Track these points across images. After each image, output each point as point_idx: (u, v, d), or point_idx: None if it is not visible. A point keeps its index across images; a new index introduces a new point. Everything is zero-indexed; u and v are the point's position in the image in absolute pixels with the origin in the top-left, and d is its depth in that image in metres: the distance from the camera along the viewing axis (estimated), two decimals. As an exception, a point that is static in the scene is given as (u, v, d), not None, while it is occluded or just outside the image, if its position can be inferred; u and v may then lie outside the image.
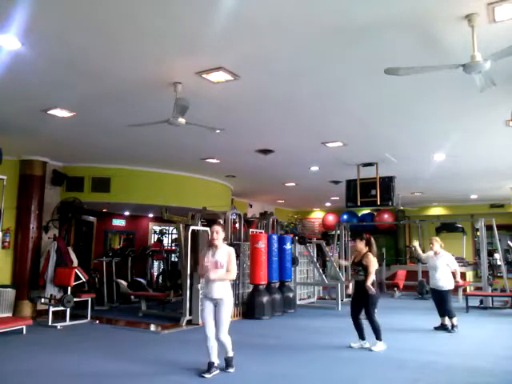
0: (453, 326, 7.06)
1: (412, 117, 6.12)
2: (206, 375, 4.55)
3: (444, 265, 7.17)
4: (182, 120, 5.01)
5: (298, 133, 6.96)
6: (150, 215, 13.35)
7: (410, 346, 6.09)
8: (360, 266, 5.87)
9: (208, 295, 4.70)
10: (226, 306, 4.65)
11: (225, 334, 4.64)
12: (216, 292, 4.63)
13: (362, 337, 5.91)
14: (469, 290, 11.02)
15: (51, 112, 5.84)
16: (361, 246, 5.99)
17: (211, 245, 4.79)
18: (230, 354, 4.77)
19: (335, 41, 3.88)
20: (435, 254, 7.30)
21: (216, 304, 4.67)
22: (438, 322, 7.25)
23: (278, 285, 9.24)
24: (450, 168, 9.23)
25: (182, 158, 8.75)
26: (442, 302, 7.14)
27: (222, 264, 4.66)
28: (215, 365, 4.67)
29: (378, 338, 5.76)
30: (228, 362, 4.77)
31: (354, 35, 3.77)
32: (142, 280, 10.81)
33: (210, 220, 9.72)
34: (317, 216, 17.90)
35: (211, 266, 4.65)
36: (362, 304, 5.86)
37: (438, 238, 7.49)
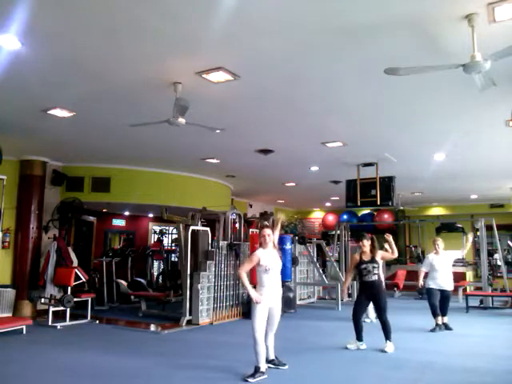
0: (446, 323, 7.16)
1: (412, 117, 6.11)
2: (250, 380, 4.41)
3: (447, 265, 7.17)
4: (182, 120, 5.02)
5: (298, 133, 6.96)
6: (150, 215, 13.36)
7: (409, 345, 6.09)
8: (375, 264, 5.80)
9: (269, 300, 4.60)
10: (279, 307, 4.74)
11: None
12: (277, 297, 4.68)
13: (360, 338, 5.85)
14: (469, 290, 11.02)
15: (51, 112, 5.84)
16: (368, 245, 5.97)
17: (264, 248, 4.73)
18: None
19: (335, 41, 3.88)
20: (436, 254, 7.28)
21: (271, 308, 4.65)
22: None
23: (278, 285, 9.23)
24: (449, 168, 9.23)
25: (182, 158, 8.75)
26: (445, 302, 7.13)
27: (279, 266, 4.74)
28: (261, 370, 4.55)
29: (389, 338, 5.74)
30: (279, 360, 4.91)
31: (354, 35, 3.77)
32: (141, 280, 10.81)
33: (210, 220, 9.75)
34: (317, 216, 17.89)
35: (276, 269, 4.66)
36: (376, 304, 5.81)
37: (441, 239, 7.46)
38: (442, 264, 7.19)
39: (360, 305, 5.93)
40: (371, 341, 5.90)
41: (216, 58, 4.25)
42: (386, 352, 5.59)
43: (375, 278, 5.77)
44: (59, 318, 7.64)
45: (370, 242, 5.96)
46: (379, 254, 5.92)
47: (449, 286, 7.19)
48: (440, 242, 7.32)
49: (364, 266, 5.81)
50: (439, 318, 7.15)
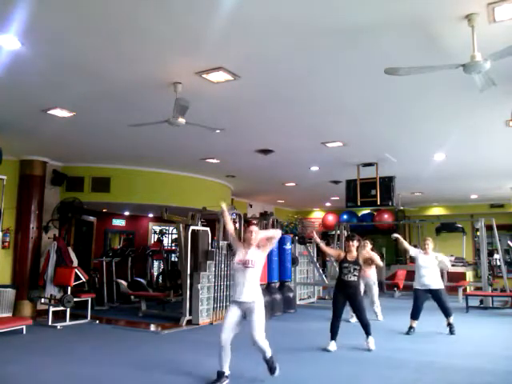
0: (451, 325, 6.91)
1: (412, 117, 6.12)
2: None
3: (433, 264, 6.98)
4: (182, 120, 5.02)
5: (298, 133, 6.96)
6: (150, 215, 13.36)
7: (409, 346, 6.09)
8: (356, 265, 5.88)
9: (236, 298, 4.30)
10: (258, 309, 4.28)
11: (260, 336, 4.26)
12: (246, 295, 4.27)
13: (336, 338, 5.87)
14: (469, 290, 11.02)
15: (51, 112, 5.84)
16: (355, 247, 6.07)
17: (247, 245, 4.43)
18: (269, 354, 4.37)
19: (335, 41, 3.88)
20: (426, 254, 7.10)
21: (246, 309, 4.30)
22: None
23: (278, 285, 9.24)
24: (449, 168, 9.23)
25: (182, 158, 8.75)
26: (440, 303, 6.92)
27: (254, 263, 4.31)
28: (226, 375, 4.28)
29: (370, 333, 5.84)
30: (270, 364, 4.38)
31: (354, 35, 3.77)
32: (141, 280, 10.81)
33: (210, 220, 9.75)
34: (317, 216, 17.89)
35: (241, 264, 4.32)
36: (352, 305, 5.88)
37: (431, 239, 7.29)
38: (429, 263, 6.98)
39: (340, 304, 5.91)
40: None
41: (216, 58, 4.25)
42: (370, 350, 5.71)
43: (354, 278, 5.85)
44: (59, 318, 7.64)
45: (357, 244, 6.05)
46: (362, 257, 6.01)
47: (436, 284, 6.90)
48: (430, 242, 7.16)
49: (346, 264, 5.91)
50: (416, 321, 6.91)
